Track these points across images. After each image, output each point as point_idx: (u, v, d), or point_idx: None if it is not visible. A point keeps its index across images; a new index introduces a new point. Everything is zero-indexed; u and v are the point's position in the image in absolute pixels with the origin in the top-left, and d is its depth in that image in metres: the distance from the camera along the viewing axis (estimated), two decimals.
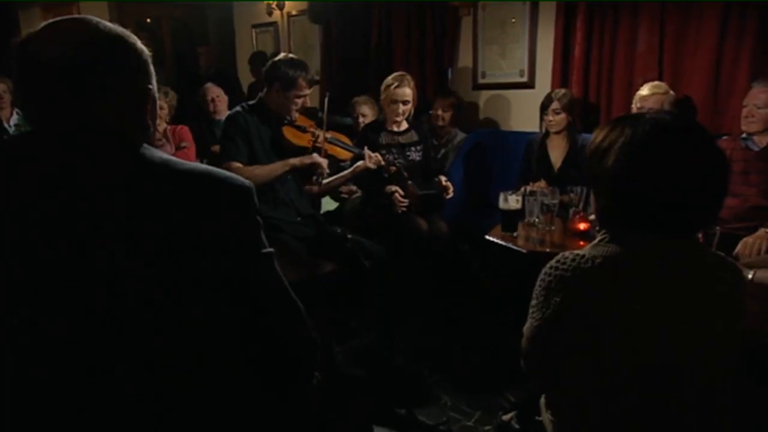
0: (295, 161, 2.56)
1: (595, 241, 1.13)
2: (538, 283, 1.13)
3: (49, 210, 0.81)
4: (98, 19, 0.91)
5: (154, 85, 0.96)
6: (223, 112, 4.02)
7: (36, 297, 0.78)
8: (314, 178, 2.68)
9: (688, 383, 1.02)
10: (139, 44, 0.94)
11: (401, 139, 3.18)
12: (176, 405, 0.86)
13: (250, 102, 2.64)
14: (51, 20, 0.90)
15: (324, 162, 2.61)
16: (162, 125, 3.57)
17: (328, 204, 3.63)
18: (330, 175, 2.89)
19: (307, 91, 2.57)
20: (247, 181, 0.96)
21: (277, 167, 2.54)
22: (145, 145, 0.92)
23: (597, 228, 1.21)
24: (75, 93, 0.86)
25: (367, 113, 3.78)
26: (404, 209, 2.97)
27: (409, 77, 3.06)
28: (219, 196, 0.91)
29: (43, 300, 0.78)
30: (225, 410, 0.92)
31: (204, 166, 0.95)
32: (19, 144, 0.86)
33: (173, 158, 0.93)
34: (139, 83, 0.93)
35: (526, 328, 1.16)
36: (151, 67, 0.96)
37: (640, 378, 1.02)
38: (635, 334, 1.02)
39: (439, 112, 3.83)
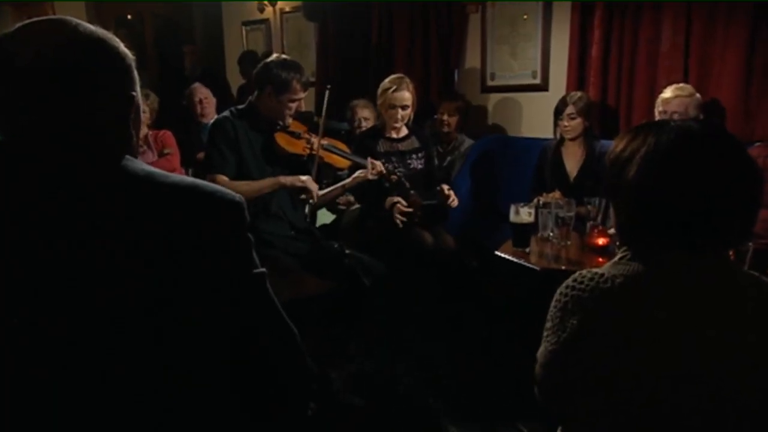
0: (285, 181, 2.57)
1: (616, 258, 1.13)
2: (553, 304, 1.13)
3: (49, 210, 0.84)
4: (77, 21, 0.92)
5: (138, 91, 0.97)
6: (211, 115, 4.04)
7: (36, 297, 0.82)
8: (302, 196, 2.68)
9: (716, 396, 1.01)
10: (122, 47, 0.95)
11: (401, 147, 3.19)
12: (174, 409, 0.90)
13: (239, 106, 2.65)
14: (26, 22, 0.91)
15: (315, 189, 2.61)
16: (143, 130, 3.59)
17: (324, 216, 3.63)
18: (327, 185, 2.90)
19: (302, 95, 2.58)
20: (237, 195, 0.96)
21: (265, 185, 2.54)
22: (128, 156, 0.93)
23: (617, 244, 1.22)
24: (48, 97, 0.87)
25: (368, 117, 3.79)
26: (402, 222, 2.98)
27: (407, 80, 3.08)
28: (207, 212, 0.92)
29: (43, 300, 0.82)
30: None
31: (190, 179, 0.95)
32: (18, 144, 0.87)
33: (157, 171, 0.93)
34: (122, 89, 0.94)
35: (540, 352, 1.16)
36: (136, 73, 0.97)
37: (665, 392, 1.02)
38: (659, 345, 1.02)
39: (445, 116, 3.84)
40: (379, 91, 3.10)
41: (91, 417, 0.84)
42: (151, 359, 0.87)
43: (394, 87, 3.03)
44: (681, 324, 1.03)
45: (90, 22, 0.94)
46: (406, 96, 3.05)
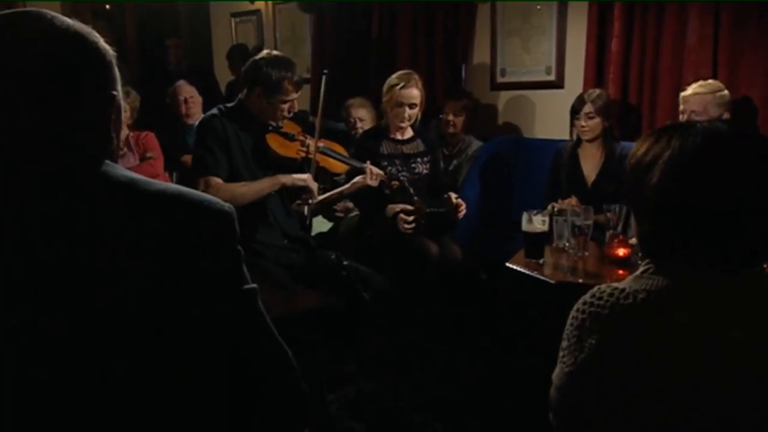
0: (286, 180, 2.58)
1: (638, 272, 1.13)
2: (569, 321, 1.13)
3: (49, 210, 0.87)
4: (52, 13, 0.92)
5: (119, 91, 0.98)
6: (196, 116, 4.04)
7: (36, 297, 0.85)
8: (300, 200, 2.69)
9: (740, 400, 1.01)
10: (102, 42, 0.95)
11: (406, 149, 3.20)
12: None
13: (228, 104, 2.66)
14: None
15: (315, 187, 2.63)
16: (123, 131, 3.60)
17: (320, 224, 3.63)
18: (323, 191, 2.90)
19: (294, 96, 2.60)
20: (227, 205, 0.96)
21: (264, 185, 2.55)
22: (107, 161, 0.93)
23: (639, 255, 1.22)
24: (26, 98, 0.88)
25: (364, 117, 3.80)
26: (410, 231, 2.98)
27: (416, 76, 3.09)
28: (194, 223, 0.92)
29: (43, 300, 0.85)
30: None
31: (176, 187, 0.96)
32: (16, 144, 0.88)
33: (140, 177, 0.94)
34: (102, 89, 0.94)
35: (556, 375, 1.16)
36: (116, 71, 0.97)
37: (688, 398, 1.02)
38: (683, 354, 1.02)
39: (450, 117, 3.85)
40: (385, 87, 3.11)
41: (91, 417, 0.87)
42: (133, 384, 0.88)
43: (402, 83, 3.04)
44: (704, 325, 1.03)
45: (65, 13, 0.95)
46: (415, 93, 3.06)
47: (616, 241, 2.39)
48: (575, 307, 1.13)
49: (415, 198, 3.02)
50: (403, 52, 4.35)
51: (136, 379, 0.88)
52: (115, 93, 0.96)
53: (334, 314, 2.52)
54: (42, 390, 0.85)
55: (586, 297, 1.11)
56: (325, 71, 2.85)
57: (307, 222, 2.73)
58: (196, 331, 0.92)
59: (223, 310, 0.95)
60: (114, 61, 0.97)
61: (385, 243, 3.09)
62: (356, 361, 2.98)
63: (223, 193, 2.42)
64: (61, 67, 0.89)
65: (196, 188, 2.41)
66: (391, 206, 3.05)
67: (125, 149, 3.56)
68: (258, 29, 5.65)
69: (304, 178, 2.61)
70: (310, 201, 2.65)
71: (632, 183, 1.14)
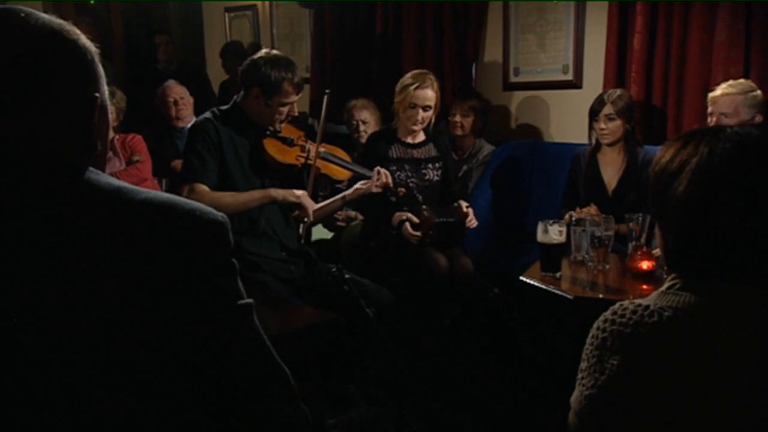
0: (277, 195, 2.59)
1: (663, 287, 1.13)
2: (588, 340, 1.13)
3: (26, 222, 0.86)
4: (28, 9, 0.92)
5: (102, 91, 0.98)
6: (187, 118, 4.07)
7: (15, 313, 0.85)
8: (295, 213, 2.69)
9: None
10: (83, 39, 0.96)
11: (416, 154, 3.21)
12: None
13: (223, 107, 2.68)
14: None
15: (311, 206, 2.62)
16: (109, 135, 3.62)
17: (320, 233, 3.64)
18: (324, 198, 2.91)
19: (294, 98, 2.61)
20: (220, 215, 0.96)
21: (252, 198, 2.56)
22: (91, 168, 0.93)
23: (664, 269, 1.22)
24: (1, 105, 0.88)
25: (368, 120, 3.81)
26: (417, 241, 2.98)
27: (432, 76, 3.10)
28: (184, 234, 0.92)
29: (23, 317, 0.85)
30: None
31: (166, 196, 0.96)
32: None
33: (127, 185, 0.94)
34: (84, 90, 0.95)
35: (574, 398, 1.15)
36: (100, 69, 0.98)
37: (719, 426, 1.02)
38: (714, 383, 1.02)
39: (458, 118, 3.87)
40: (398, 87, 3.13)
41: None
42: (115, 402, 0.88)
43: (417, 83, 3.05)
44: (736, 345, 1.03)
45: (47, 9, 0.95)
46: (430, 95, 3.07)
47: (639, 253, 2.39)
48: (595, 326, 1.13)
49: (423, 207, 3.02)
50: (408, 49, 4.36)
51: (118, 399, 0.88)
52: (97, 94, 0.96)
53: (336, 332, 2.52)
54: (20, 407, 0.85)
55: (608, 314, 1.11)
56: (327, 91, 2.87)
57: (302, 240, 2.74)
58: (186, 350, 0.92)
59: (216, 328, 0.95)
60: (96, 59, 0.97)
61: (390, 255, 3.09)
62: (359, 383, 2.98)
63: (207, 202, 2.43)
64: (36, 66, 0.89)
65: (179, 194, 2.44)
66: (397, 214, 3.05)
67: (110, 153, 3.57)
68: (254, 25, 5.67)
69: (298, 194, 2.60)
70: (305, 219, 2.65)
71: (657, 192, 1.14)
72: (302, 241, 2.75)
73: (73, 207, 0.89)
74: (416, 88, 3.05)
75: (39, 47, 0.90)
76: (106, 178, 0.93)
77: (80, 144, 0.95)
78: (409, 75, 3.13)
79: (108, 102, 1.01)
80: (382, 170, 2.89)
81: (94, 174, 0.93)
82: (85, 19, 5.04)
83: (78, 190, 0.90)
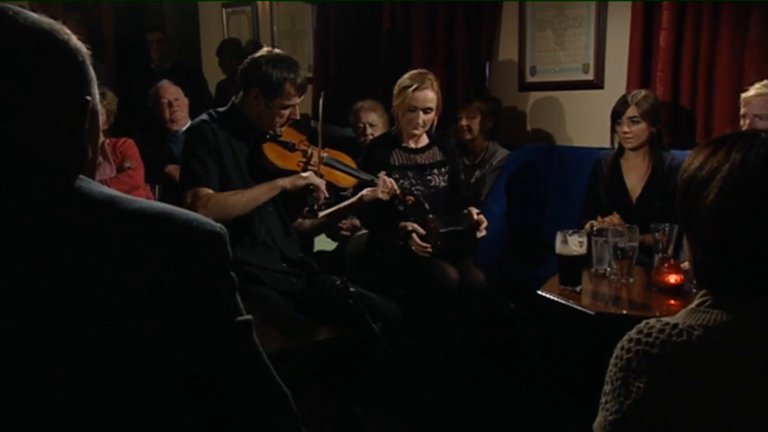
0: (285, 182, 2.60)
1: (693, 304, 1.13)
2: (612, 361, 1.12)
3: (10, 233, 0.87)
4: (16, 8, 0.93)
5: (94, 94, 0.99)
6: (182, 121, 4.08)
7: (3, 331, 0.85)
8: (306, 209, 2.70)
9: None
10: (74, 40, 0.96)
11: (420, 159, 3.21)
12: None
13: (220, 108, 2.69)
14: None
15: (322, 183, 2.64)
16: (99, 140, 3.63)
17: (323, 244, 3.64)
18: (327, 206, 2.91)
19: (297, 100, 2.62)
20: (218, 226, 0.97)
21: (261, 192, 2.57)
22: (82, 176, 0.94)
23: (694, 283, 1.21)
24: None
25: (375, 122, 3.82)
26: (426, 253, 2.98)
27: (432, 76, 3.11)
28: (180, 246, 0.93)
29: (10, 336, 0.85)
30: None
31: (161, 206, 0.96)
32: None
33: (120, 194, 0.94)
34: (74, 94, 0.95)
35: (598, 424, 1.15)
36: (91, 72, 0.98)
37: None
38: (750, 409, 1.01)
39: (463, 121, 3.88)
40: (396, 89, 3.13)
41: None
42: (110, 418, 0.89)
43: (416, 85, 3.06)
44: None
45: (34, 7, 0.96)
46: (430, 96, 3.07)
47: (665, 265, 2.38)
48: (620, 345, 1.12)
49: (430, 216, 3.02)
50: (418, 47, 4.37)
51: (113, 416, 0.88)
52: (88, 97, 0.97)
53: (340, 348, 2.51)
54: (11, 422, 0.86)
55: (633, 333, 1.10)
56: (322, 92, 2.89)
57: (320, 208, 2.72)
58: (183, 368, 0.92)
59: (213, 345, 0.95)
60: (88, 61, 0.98)
61: (397, 266, 3.08)
62: (364, 404, 2.97)
63: (213, 204, 2.46)
64: (24, 68, 0.90)
65: (182, 201, 2.45)
66: (403, 224, 3.05)
67: (100, 158, 3.59)
68: (253, 22, 5.69)
69: (305, 175, 2.62)
70: (312, 209, 2.65)
71: (685, 201, 1.14)
72: (316, 213, 2.73)
73: (62, 218, 0.89)
74: (415, 90, 3.05)
75: (28, 47, 0.90)
76: (97, 187, 0.94)
77: (70, 150, 0.95)
78: (406, 76, 3.13)
79: (99, 106, 1.02)
80: (388, 178, 2.89)
81: (85, 182, 0.93)
82: (73, 15, 5.07)
83: (68, 200, 0.91)
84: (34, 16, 0.94)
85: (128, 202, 0.93)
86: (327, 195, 2.67)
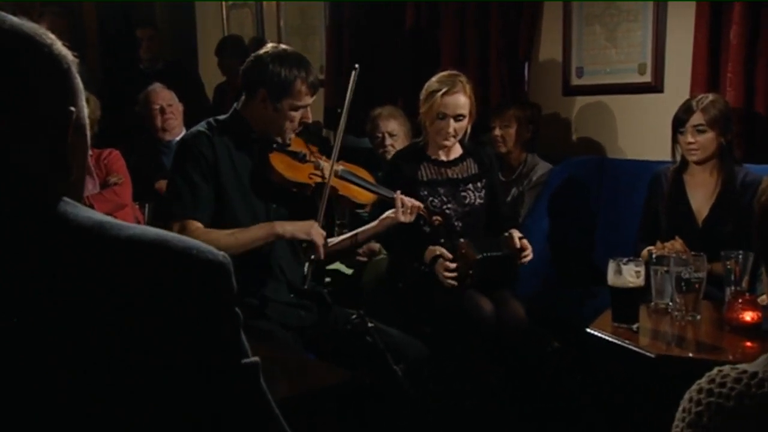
0: (283, 231, 2.60)
1: None
2: (679, 415, 1.11)
3: None
4: None
5: (79, 105, 0.99)
6: (176, 129, 4.12)
7: None
8: (312, 256, 2.69)
9: None
10: (58, 46, 0.97)
11: (452, 173, 3.22)
12: None
13: (221, 117, 2.70)
14: None
15: (322, 242, 2.63)
16: (86, 157, 3.66)
17: (337, 266, 3.64)
18: (341, 227, 2.91)
19: (309, 100, 2.63)
20: (221, 254, 0.97)
21: (256, 236, 2.58)
22: (67, 199, 0.94)
23: None
24: None
25: (396, 132, 3.84)
26: (454, 283, 2.97)
27: (463, 78, 3.13)
28: (179, 278, 0.93)
29: None
30: None
31: (155, 232, 0.97)
32: None
33: (109, 220, 0.95)
34: (57, 105, 0.96)
35: None
36: (77, 81, 0.99)
37: None
38: None
39: (497, 131, 3.89)
40: (423, 94, 3.15)
41: None
42: None
43: (445, 88, 3.07)
44: None
45: (7, 7, 0.97)
46: (462, 101, 3.09)
47: (740, 300, 2.36)
48: (687, 396, 1.11)
49: (461, 241, 3.01)
50: (447, 46, 4.39)
51: (107, 420, 0.89)
52: (73, 109, 0.98)
53: (355, 394, 2.51)
54: None
55: (703, 382, 1.09)
56: (356, 66, 2.79)
57: (305, 284, 2.70)
58: (179, 417, 0.93)
59: (215, 391, 0.95)
60: (74, 69, 0.99)
61: (423, 298, 3.08)
62: None
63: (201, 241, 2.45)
64: (3, 76, 0.91)
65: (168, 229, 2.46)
66: (431, 248, 3.05)
67: None
68: (257, 17, 5.75)
69: (308, 230, 2.61)
70: (312, 257, 2.65)
71: (763, 227, 1.13)
72: (305, 286, 2.73)
73: (44, 247, 0.90)
74: (444, 95, 3.07)
75: (6, 53, 0.92)
76: (84, 211, 0.95)
77: (52, 168, 0.96)
78: (434, 79, 3.15)
79: (86, 120, 1.02)
80: (405, 198, 2.86)
81: (71, 206, 0.94)
82: (50, 9, 5.12)
83: (50, 226, 0.91)
84: (15, 19, 0.95)
85: (119, 228, 0.94)
86: (322, 256, 2.65)
